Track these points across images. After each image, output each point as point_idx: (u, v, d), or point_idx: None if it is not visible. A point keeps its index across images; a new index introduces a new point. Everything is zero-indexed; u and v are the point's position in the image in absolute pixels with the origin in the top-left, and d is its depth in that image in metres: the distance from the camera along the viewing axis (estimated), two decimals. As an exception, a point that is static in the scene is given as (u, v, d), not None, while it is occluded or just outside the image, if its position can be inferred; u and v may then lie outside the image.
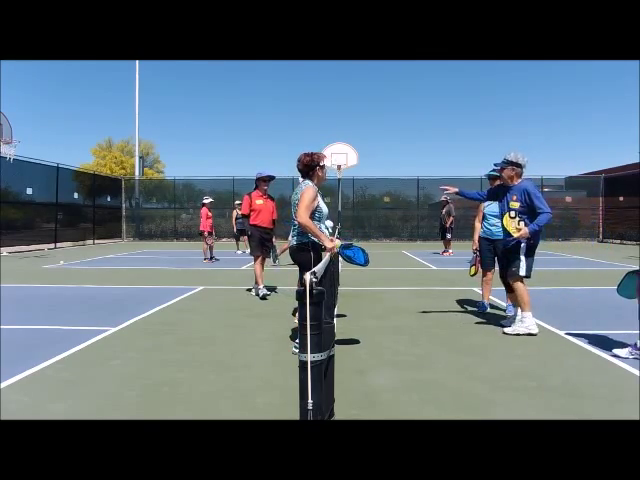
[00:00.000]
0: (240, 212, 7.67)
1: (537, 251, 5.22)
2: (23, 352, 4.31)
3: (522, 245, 4.94)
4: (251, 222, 7.44)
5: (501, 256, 5.37)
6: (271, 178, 7.54)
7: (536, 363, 4.06)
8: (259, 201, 7.43)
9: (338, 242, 4.28)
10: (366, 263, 4.49)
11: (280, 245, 8.51)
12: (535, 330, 4.95)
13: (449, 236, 15.08)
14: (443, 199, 15.52)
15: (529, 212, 4.96)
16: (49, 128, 62.57)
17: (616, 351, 4.16)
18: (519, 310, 5.10)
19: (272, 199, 7.73)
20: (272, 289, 7.80)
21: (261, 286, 7.31)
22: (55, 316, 5.89)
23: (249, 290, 7.69)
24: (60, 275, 10.02)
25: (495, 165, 5.32)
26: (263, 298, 7.10)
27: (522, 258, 4.92)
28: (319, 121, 73.80)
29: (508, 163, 5.11)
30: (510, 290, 5.37)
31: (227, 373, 3.82)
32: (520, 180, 5.13)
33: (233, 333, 5.12)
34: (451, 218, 14.86)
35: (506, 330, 5.08)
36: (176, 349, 4.50)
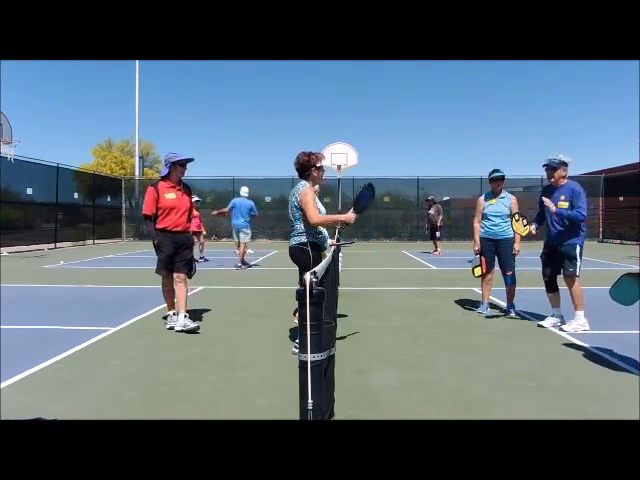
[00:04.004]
0: (143, 211, 5.33)
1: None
2: (23, 352, 4.31)
3: (578, 247, 5.07)
4: (158, 225, 5.21)
5: (551, 256, 5.28)
6: (189, 160, 5.33)
7: (536, 363, 4.06)
8: (170, 195, 5.22)
9: (352, 215, 4.29)
10: (372, 195, 4.47)
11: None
12: (587, 327, 5.14)
13: (438, 235, 15.17)
14: (430, 199, 15.58)
15: None
16: (49, 128, 62.61)
17: None
18: (557, 310, 5.33)
19: (188, 190, 5.47)
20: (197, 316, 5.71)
21: (171, 312, 5.34)
22: (55, 316, 5.89)
23: (165, 318, 5.52)
24: (60, 275, 10.02)
25: (544, 166, 5.28)
26: (192, 331, 5.06)
27: (579, 259, 5.08)
28: (319, 121, 73.83)
29: (562, 163, 5.19)
30: (551, 290, 5.35)
31: (227, 373, 3.82)
32: (565, 180, 5.24)
33: (233, 333, 5.12)
34: (440, 217, 14.95)
35: (565, 328, 5.16)
36: (176, 349, 4.50)
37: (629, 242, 20.15)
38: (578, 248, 5.08)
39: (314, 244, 4.16)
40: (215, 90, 68.90)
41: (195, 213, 12.59)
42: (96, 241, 21.25)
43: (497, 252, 6.00)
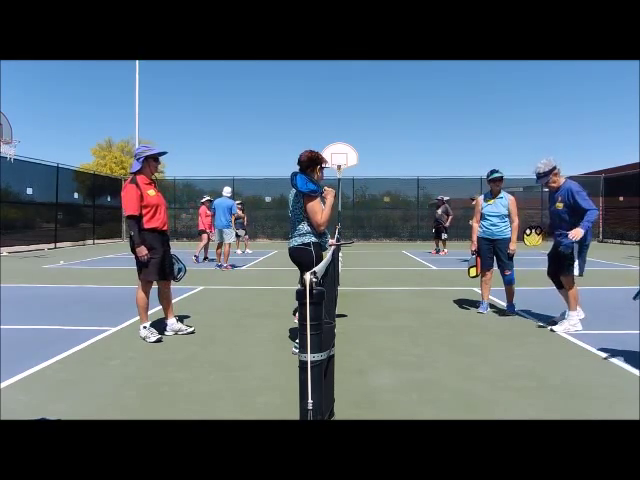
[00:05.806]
0: (127, 212, 4.79)
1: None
2: (23, 352, 4.31)
3: (575, 247, 5.01)
4: (147, 225, 4.76)
5: (553, 257, 5.28)
6: (162, 154, 5.16)
7: (536, 363, 4.06)
8: (151, 191, 4.85)
9: (329, 190, 4.20)
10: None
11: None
12: (580, 327, 5.10)
13: (445, 236, 15.17)
14: (439, 199, 15.58)
15: (570, 211, 5.01)
16: (49, 128, 62.39)
17: None
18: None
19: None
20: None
21: (149, 324, 4.86)
22: (55, 316, 5.89)
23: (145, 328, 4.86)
24: (60, 275, 10.01)
25: (537, 183, 5.33)
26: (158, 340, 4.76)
27: (575, 258, 5.03)
28: (319, 121, 73.79)
29: (546, 174, 5.13)
30: (561, 287, 5.33)
31: (227, 373, 3.83)
32: (563, 180, 5.18)
33: (233, 333, 5.12)
34: (449, 217, 14.96)
35: (555, 328, 5.13)
36: (176, 349, 4.50)
37: (629, 242, 20.15)
38: (575, 246, 5.02)
39: (317, 244, 4.18)
40: (215, 90, 68.93)
41: (208, 212, 12.60)
42: (96, 241, 21.25)
43: (495, 252, 6.00)
